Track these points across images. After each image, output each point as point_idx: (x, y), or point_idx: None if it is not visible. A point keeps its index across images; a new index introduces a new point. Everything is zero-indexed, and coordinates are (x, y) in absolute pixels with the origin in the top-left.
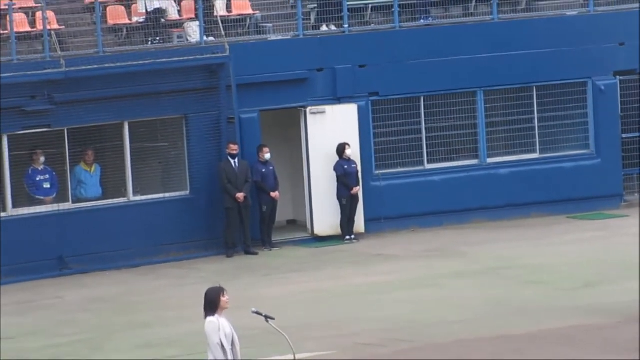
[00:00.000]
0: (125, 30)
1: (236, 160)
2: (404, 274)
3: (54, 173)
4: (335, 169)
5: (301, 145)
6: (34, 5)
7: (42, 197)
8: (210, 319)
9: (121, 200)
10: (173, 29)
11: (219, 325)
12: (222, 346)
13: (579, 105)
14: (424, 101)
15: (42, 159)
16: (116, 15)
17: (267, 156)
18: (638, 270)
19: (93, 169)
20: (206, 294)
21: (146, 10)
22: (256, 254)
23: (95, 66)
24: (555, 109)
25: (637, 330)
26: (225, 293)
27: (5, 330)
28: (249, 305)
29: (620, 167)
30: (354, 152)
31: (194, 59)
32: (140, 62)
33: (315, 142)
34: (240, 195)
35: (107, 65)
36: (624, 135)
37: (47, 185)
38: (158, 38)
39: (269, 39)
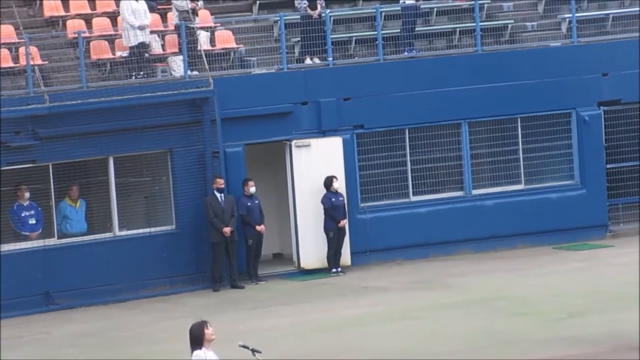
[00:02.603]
0: (108, 64)
1: (222, 194)
2: (391, 306)
3: (39, 209)
4: (323, 201)
5: (286, 179)
6: (17, 40)
7: (27, 233)
8: (197, 352)
9: (107, 235)
10: (157, 63)
11: (205, 358)
12: None
13: (563, 136)
14: (409, 133)
15: (27, 194)
16: (100, 50)
17: (252, 190)
18: (624, 300)
19: (78, 204)
20: (190, 330)
21: (130, 45)
22: (243, 287)
23: (79, 101)
24: (539, 140)
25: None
26: (208, 325)
27: None
28: (236, 339)
29: (605, 197)
30: (339, 185)
31: (178, 93)
32: (124, 97)
33: (301, 175)
34: (228, 230)
35: (91, 100)
36: (608, 166)
37: (32, 221)
38: (142, 72)
39: (253, 73)
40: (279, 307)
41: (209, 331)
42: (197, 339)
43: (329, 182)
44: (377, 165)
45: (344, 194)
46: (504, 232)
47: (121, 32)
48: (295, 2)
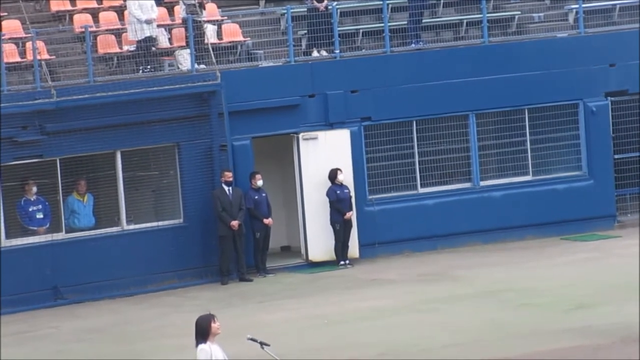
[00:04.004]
0: (115, 59)
1: (230, 188)
2: (399, 298)
3: (47, 203)
4: (328, 194)
5: (294, 171)
6: (24, 35)
7: (35, 228)
8: (201, 346)
9: (114, 229)
10: (164, 57)
11: (210, 353)
12: None
13: (570, 127)
14: (416, 125)
15: (35, 189)
16: (106, 44)
17: (260, 183)
18: (632, 291)
19: (86, 198)
20: (197, 322)
21: (137, 39)
22: (251, 280)
23: (86, 96)
24: (547, 131)
25: (632, 350)
26: (215, 319)
27: None
28: (244, 332)
29: (613, 187)
30: (346, 177)
31: (185, 87)
32: (132, 91)
33: (308, 168)
34: (235, 223)
35: (98, 94)
36: (616, 156)
37: (40, 216)
38: (149, 66)
39: (260, 66)
40: (287, 300)
41: (215, 325)
42: (203, 332)
43: (333, 174)
44: (385, 158)
45: (352, 187)
46: (511, 223)
47: (128, 26)
48: None
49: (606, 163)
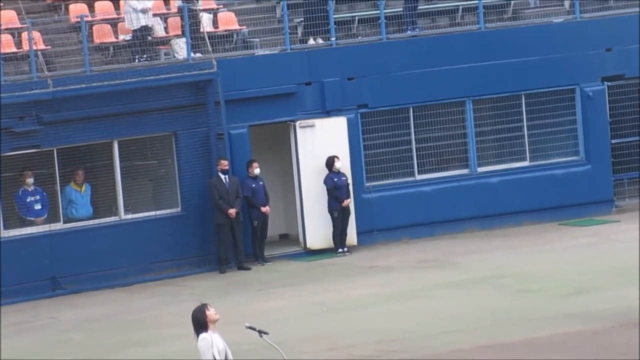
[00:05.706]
0: (111, 48)
1: (227, 176)
2: (398, 285)
3: (45, 193)
4: (325, 182)
5: (291, 159)
6: (20, 25)
7: (33, 218)
8: (203, 335)
9: (112, 219)
10: (160, 46)
11: (211, 342)
12: None
13: (567, 112)
14: (413, 112)
15: (31, 179)
16: (102, 33)
17: (257, 171)
18: (631, 276)
19: (83, 188)
20: (192, 317)
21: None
22: (249, 269)
23: (83, 85)
24: (544, 117)
25: (631, 335)
26: (209, 307)
27: (1, 353)
28: (243, 321)
29: (610, 172)
30: (344, 164)
31: (181, 76)
32: (128, 80)
33: (306, 155)
34: (232, 211)
35: (94, 84)
36: (613, 141)
37: (37, 206)
38: (145, 55)
39: (256, 54)
40: (286, 289)
41: (210, 312)
42: (200, 323)
43: (330, 162)
44: (382, 145)
45: (349, 174)
46: (509, 209)
47: (124, 16)
48: None
49: (603, 148)
